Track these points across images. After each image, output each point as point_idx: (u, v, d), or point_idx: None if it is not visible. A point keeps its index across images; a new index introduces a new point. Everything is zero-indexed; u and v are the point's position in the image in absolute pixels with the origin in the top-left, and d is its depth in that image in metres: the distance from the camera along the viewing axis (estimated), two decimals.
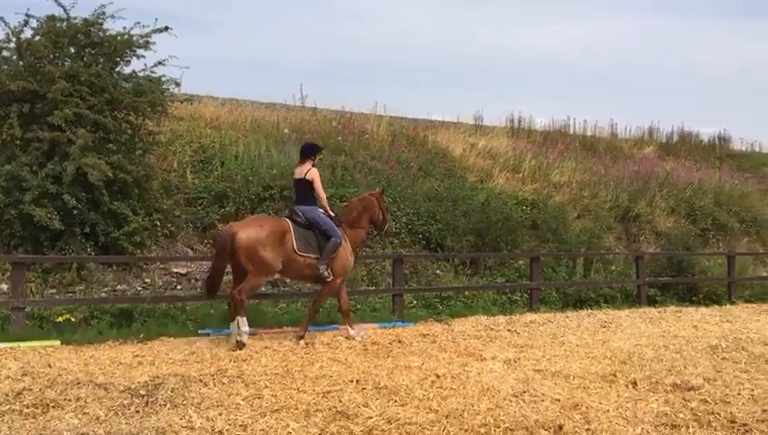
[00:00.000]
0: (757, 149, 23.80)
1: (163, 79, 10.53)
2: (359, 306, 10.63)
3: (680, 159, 20.04)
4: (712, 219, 16.12)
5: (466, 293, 11.62)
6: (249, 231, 7.90)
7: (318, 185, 8.51)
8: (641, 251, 13.68)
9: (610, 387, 6.33)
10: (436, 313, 10.54)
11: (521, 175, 15.82)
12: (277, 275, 9.26)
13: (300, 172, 8.60)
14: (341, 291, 8.79)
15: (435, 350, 7.86)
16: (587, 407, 5.61)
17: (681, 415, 5.46)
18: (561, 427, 5.05)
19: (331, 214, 8.68)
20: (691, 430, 5.17)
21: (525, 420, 5.19)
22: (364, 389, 5.94)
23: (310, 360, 7.12)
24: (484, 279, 12.21)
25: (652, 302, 12.61)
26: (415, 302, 11.15)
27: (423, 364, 6.97)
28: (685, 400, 5.91)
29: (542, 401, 5.76)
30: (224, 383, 6.10)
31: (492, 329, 9.39)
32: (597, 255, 13.39)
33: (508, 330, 9.37)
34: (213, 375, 6.31)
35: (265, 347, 7.75)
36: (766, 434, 5.10)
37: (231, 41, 58.02)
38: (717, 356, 7.84)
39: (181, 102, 11.53)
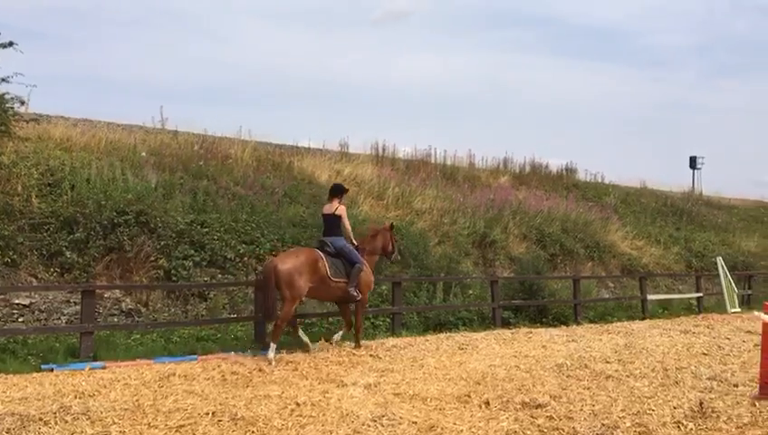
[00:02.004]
0: (600, 180, 25.66)
1: (6, 97, 9.84)
2: (219, 335, 10.34)
3: (532, 189, 21.21)
4: (560, 245, 17.17)
5: (330, 319, 11.62)
6: (288, 262, 9.07)
7: (345, 219, 9.92)
8: (496, 275, 14.33)
9: (465, 407, 6.55)
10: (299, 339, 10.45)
11: (385, 202, 16.14)
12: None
13: (329, 208, 9.97)
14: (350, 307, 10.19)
15: (296, 377, 7.80)
16: (442, 428, 5.78)
17: (529, 432, 5.75)
18: None
19: (355, 243, 10.08)
20: None
21: None
22: (220, 421, 5.78)
23: (163, 393, 6.81)
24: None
25: (506, 323, 13.20)
26: None
27: (283, 393, 6.88)
28: (532, 417, 6.22)
29: (400, 424, 5.86)
30: (67, 421, 5.70)
31: (354, 354, 9.45)
32: (456, 279, 13.86)
33: (370, 355, 9.45)
34: (55, 413, 5.88)
35: (116, 381, 7.34)
36: None
37: (85, 59, 55.27)
38: (563, 374, 8.32)
39: (27, 122, 10.81)
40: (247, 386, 7.27)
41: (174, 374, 7.76)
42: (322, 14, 65.45)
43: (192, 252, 11.22)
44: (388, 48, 66.59)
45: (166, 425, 5.64)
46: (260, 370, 8.10)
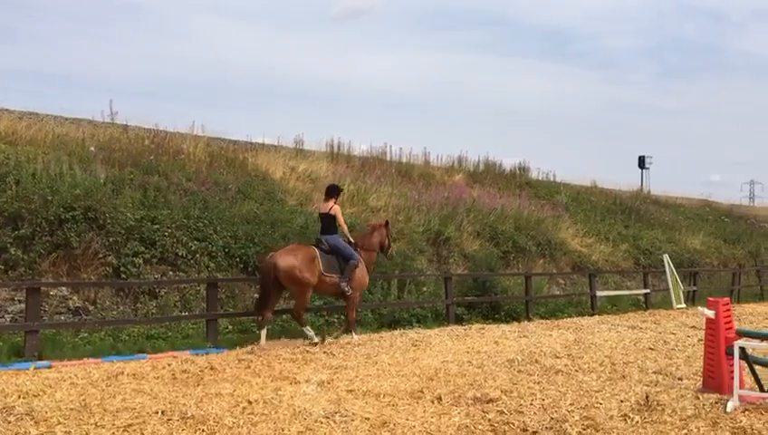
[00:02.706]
0: (551, 179, 26.10)
1: None
2: (169, 333, 10.18)
3: (485, 187, 21.44)
4: (512, 242, 17.37)
5: (284, 316, 11.54)
6: (286, 259, 9.68)
7: (340, 218, 10.52)
8: (450, 272, 14.44)
9: (417, 403, 6.58)
10: (252, 337, 10.37)
11: (340, 199, 16.07)
12: None
13: (325, 208, 10.58)
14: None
15: (248, 375, 7.72)
16: (394, 424, 5.80)
17: (480, 426, 5.81)
18: None
19: (351, 240, 10.63)
20: None
21: None
22: (170, 420, 5.68)
23: (111, 392, 6.67)
24: None
25: (459, 320, 13.31)
26: (231, 327, 10.90)
27: (235, 391, 6.81)
28: (484, 411, 6.29)
29: (353, 420, 5.86)
30: (9, 422, 5.53)
31: (308, 352, 9.41)
32: (410, 276, 13.92)
33: (324, 352, 9.43)
34: None
35: (62, 380, 7.16)
36: None
37: (33, 51, 53.69)
38: (514, 369, 8.44)
39: None
40: (198, 384, 7.18)
41: (123, 373, 7.61)
42: (280, 10, 65.00)
43: (142, 249, 11.02)
44: (345, 45, 66.52)
45: (113, 424, 5.52)
46: (211, 368, 7.99)
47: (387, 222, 11.67)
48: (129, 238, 10.98)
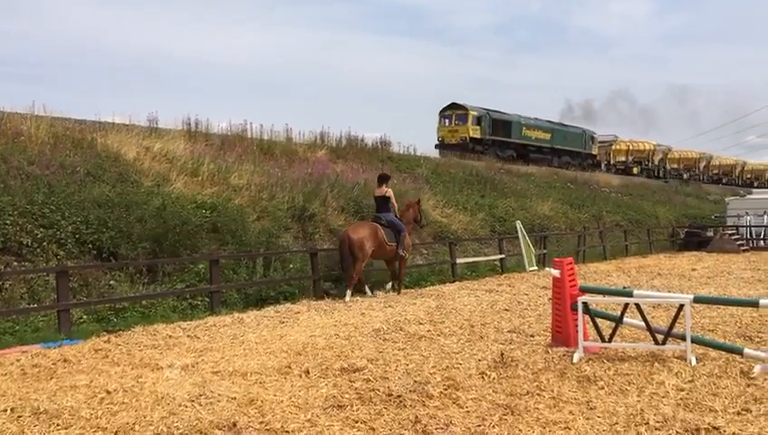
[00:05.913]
0: (412, 152, 26.78)
1: None
2: (17, 327, 9.51)
3: (348, 162, 21.60)
4: None
5: (144, 302, 11.13)
6: (358, 232, 13.00)
7: (393, 200, 13.93)
8: (315, 248, 14.49)
9: (285, 379, 6.63)
10: (110, 326, 9.92)
11: (200, 178, 15.60)
12: None
13: (380, 192, 14.00)
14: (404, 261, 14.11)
15: (106, 365, 7.41)
16: (262, 401, 5.81)
17: (347, 395, 5.96)
18: (235, 424, 5.17)
19: (398, 214, 13.92)
20: (355, 407, 5.67)
21: (200, 422, 5.19)
22: (20, 416, 5.37)
23: None
24: (163, 286, 11.81)
25: (327, 294, 13.44)
26: (85, 317, 10.34)
27: (92, 382, 6.52)
28: (350, 381, 6.46)
29: (219, 401, 5.81)
30: None
31: (171, 337, 9.14)
32: (275, 254, 13.81)
33: (188, 336, 9.21)
34: None
35: None
36: (416, 401, 5.81)
37: None
38: (380, 338, 8.69)
39: None
40: (51, 378, 6.80)
41: None
42: None
43: None
44: (199, 19, 64.11)
45: None
46: (65, 360, 7.57)
47: (419, 200, 15.33)
48: None
